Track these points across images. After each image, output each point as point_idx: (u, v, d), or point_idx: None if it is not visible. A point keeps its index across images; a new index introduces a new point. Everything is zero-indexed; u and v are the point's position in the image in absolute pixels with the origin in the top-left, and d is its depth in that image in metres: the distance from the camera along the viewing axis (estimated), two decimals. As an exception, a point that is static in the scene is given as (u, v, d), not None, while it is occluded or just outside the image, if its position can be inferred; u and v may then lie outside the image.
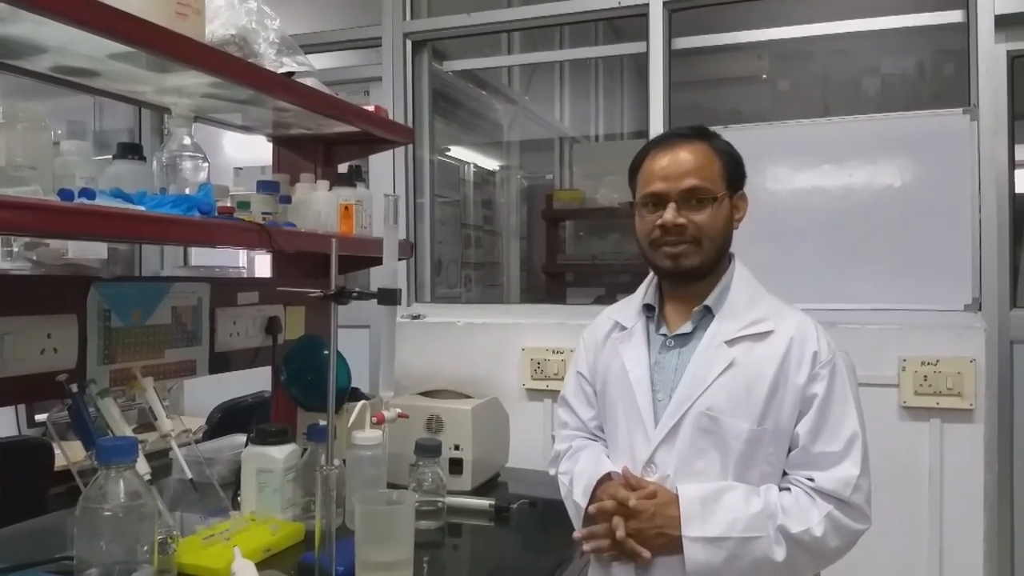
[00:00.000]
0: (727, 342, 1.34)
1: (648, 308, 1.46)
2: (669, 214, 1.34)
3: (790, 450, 1.32)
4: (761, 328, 1.35)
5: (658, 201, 1.36)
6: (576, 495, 1.41)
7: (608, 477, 1.38)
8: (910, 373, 2.12)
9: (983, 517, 2.09)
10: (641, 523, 1.28)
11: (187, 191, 1.47)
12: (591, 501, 1.36)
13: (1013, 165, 2.36)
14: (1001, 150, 2.29)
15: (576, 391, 1.55)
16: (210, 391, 2.91)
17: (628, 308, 1.50)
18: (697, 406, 1.32)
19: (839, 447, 1.28)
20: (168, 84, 1.50)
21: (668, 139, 1.41)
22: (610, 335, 1.50)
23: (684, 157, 1.36)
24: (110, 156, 1.51)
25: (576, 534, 1.36)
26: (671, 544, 1.27)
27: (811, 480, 1.28)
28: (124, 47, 1.23)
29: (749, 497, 1.27)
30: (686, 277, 1.39)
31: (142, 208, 1.29)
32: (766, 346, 1.33)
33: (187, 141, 1.52)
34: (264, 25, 1.57)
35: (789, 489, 1.29)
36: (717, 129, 1.47)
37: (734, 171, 1.40)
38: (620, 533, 1.28)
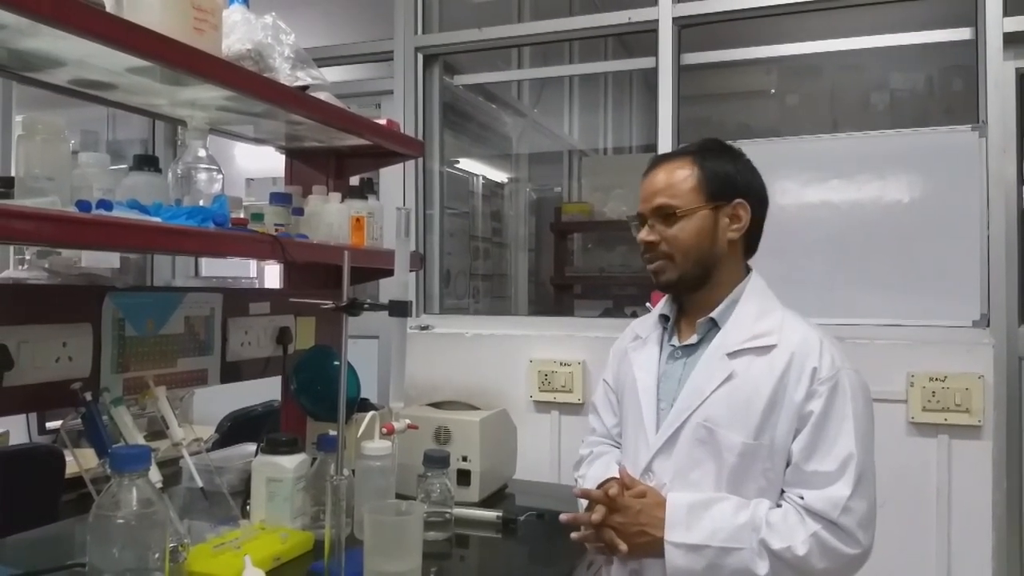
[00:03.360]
0: (728, 354, 1.35)
1: (663, 318, 1.49)
2: (642, 233, 1.42)
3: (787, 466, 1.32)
4: (764, 342, 1.35)
5: (640, 221, 1.43)
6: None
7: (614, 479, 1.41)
8: (918, 389, 2.12)
9: (992, 534, 2.08)
10: (626, 518, 1.32)
11: (201, 203, 1.48)
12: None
13: (1021, 182, 2.37)
14: (1009, 167, 2.29)
15: (603, 399, 1.61)
16: (219, 400, 2.92)
17: (648, 320, 1.54)
18: (695, 417, 1.34)
19: (832, 467, 1.26)
20: (184, 97, 1.52)
21: (653, 161, 1.47)
22: (630, 345, 1.54)
23: (658, 178, 1.41)
24: (123, 166, 1.53)
25: (562, 517, 1.40)
26: (652, 545, 1.29)
27: (801, 498, 1.27)
28: (143, 61, 1.26)
29: (738, 509, 1.28)
30: (672, 290, 1.44)
31: (158, 219, 1.31)
32: (767, 360, 1.33)
33: (202, 153, 1.54)
34: (279, 40, 1.59)
35: (781, 505, 1.30)
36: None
37: (719, 184, 1.39)
38: (596, 517, 1.32)
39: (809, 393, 1.30)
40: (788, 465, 1.31)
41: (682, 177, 1.40)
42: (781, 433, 1.30)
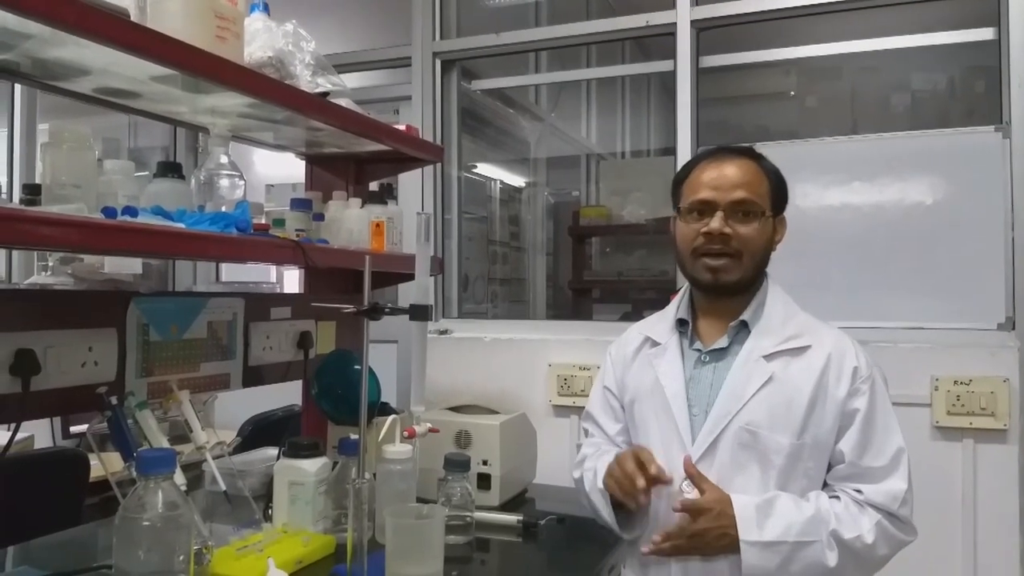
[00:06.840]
0: (765, 357, 1.35)
1: (681, 323, 1.47)
2: (716, 222, 1.35)
3: (830, 465, 1.34)
4: (798, 343, 1.36)
5: (705, 209, 1.37)
6: (601, 484, 1.41)
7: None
8: (943, 392, 2.10)
9: (1018, 540, 2.05)
10: (709, 523, 1.27)
11: (224, 208, 1.50)
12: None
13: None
14: (1034, 168, 2.26)
15: (603, 405, 1.57)
16: (240, 404, 2.94)
17: (660, 324, 1.51)
18: (736, 421, 1.33)
19: (885, 461, 1.31)
20: (206, 104, 1.54)
21: (719, 152, 1.43)
22: (641, 350, 1.51)
23: (734, 171, 1.38)
24: (145, 173, 1.55)
25: (649, 545, 1.31)
26: (731, 546, 1.27)
27: (859, 492, 1.30)
28: (166, 70, 1.27)
29: (798, 503, 1.29)
30: (723, 291, 1.40)
31: (182, 225, 1.32)
32: (804, 361, 1.35)
33: (224, 160, 1.55)
34: (300, 47, 1.60)
35: (838, 497, 1.31)
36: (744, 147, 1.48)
37: (779, 193, 1.42)
38: (697, 526, 1.26)
39: (852, 391, 1.32)
40: (832, 463, 1.33)
41: (759, 178, 1.38)
42: (824, 431, 1.32)
